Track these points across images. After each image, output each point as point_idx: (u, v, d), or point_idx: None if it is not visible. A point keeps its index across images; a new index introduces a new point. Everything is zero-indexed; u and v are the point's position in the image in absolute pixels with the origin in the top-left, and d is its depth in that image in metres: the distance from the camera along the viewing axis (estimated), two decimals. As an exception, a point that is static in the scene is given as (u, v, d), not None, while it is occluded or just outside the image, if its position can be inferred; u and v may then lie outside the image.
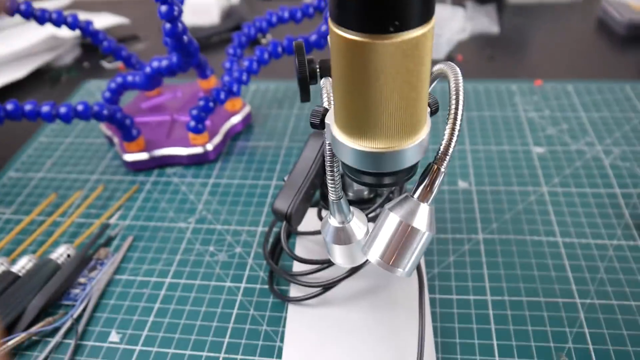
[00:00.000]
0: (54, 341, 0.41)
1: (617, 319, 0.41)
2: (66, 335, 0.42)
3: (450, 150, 0.28)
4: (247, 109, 0.66)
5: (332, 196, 0.33)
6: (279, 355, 0.40)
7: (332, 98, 0.31)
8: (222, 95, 0.57)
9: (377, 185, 0.29)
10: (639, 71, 0.72)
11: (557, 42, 0.82)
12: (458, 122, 0.27)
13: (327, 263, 0.42)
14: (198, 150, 0.59)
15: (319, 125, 0.30)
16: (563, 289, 0.43)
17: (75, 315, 0.43)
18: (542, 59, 0.77)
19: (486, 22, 0.86)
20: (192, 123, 0.58)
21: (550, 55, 0.78)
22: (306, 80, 0.35)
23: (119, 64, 0.85)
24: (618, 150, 0.57)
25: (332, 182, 0.32)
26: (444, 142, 0.27)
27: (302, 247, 0.47)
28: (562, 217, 0.49)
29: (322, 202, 0.46)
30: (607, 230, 0.48)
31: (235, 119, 0.64)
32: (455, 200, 0.52)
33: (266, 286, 0.45)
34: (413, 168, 0.29)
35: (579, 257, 0.46)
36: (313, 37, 0.57)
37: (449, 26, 0.83)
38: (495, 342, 0.39)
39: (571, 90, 0.68)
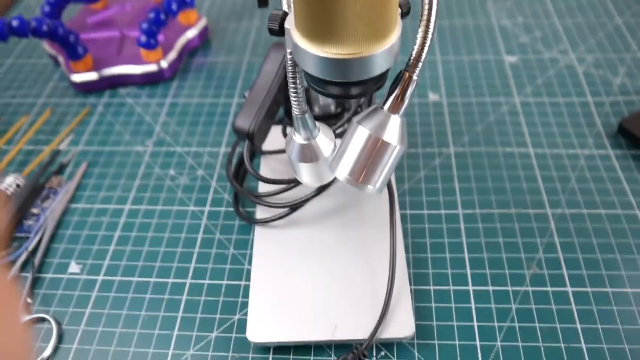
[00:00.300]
0: (9, 275, 0.39)
1: (587, 227, 0.40)
2: (23, 268, 0.40)
3: (423, 55, 0.25)
4: (203, 22, 0.61)
5: (295, 111, 0.30)
6: (248, 278, 0.39)
7: (292, 2, 0.27)
8: (174, 6, 0.53)
9: (344, 97, 0.27)
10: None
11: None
12: (432, 24, 0.25)
13: (294, 183, 0.40)
14: (152, 67, 0.55)
15: (278, 31, 0.27)
16: (534, 200, 0.43)
17: (30, 248, 0.41)
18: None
19: None
20: (143, 38, 0.53)
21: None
22: (263, -18, 0.32)
23: (59, -24, 0.78)
24: (592, 58, 0.55)
25: (295, 95, 0.29)
26: (416, 47, 0.25)
27: (267, 167, 0.45)
28: (534, 128, 0.48)
29: (287, 118, 0.43)
30: (579, 139, 0.47)
31: (191, 33, 0.59)
32: (426, 113, 0.50)
33: (231, 209, 0.43)
34: (383, 76, 0.26)
35: (550, 167, 0.45)
36: (271, -62, 0.52)
37: None
38: (466, 255, 0.39)
39: (545, -5, 0.65)
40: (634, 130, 0.46)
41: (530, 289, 0.37)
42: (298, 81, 0.28)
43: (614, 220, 0.41)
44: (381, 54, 0.24)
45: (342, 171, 0.27)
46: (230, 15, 0.66)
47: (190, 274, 0.39)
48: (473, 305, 0.36)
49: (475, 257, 0.39)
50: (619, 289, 0.37)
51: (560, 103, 0.50)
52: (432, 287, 0.38)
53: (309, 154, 0.33)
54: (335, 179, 0.37)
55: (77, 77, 0.54)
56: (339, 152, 0.27)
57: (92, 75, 0.54)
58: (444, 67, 0.55)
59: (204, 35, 0.61)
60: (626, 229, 0.40)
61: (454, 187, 0.44)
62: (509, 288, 0.37)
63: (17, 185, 0.45)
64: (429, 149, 0.47)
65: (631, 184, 0.43)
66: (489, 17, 0.62)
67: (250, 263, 0.39)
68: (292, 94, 0.29)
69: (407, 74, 0.26)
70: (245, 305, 0.37)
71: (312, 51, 0.24)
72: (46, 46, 0.59)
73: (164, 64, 0.55)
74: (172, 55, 0.56)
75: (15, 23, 0.48)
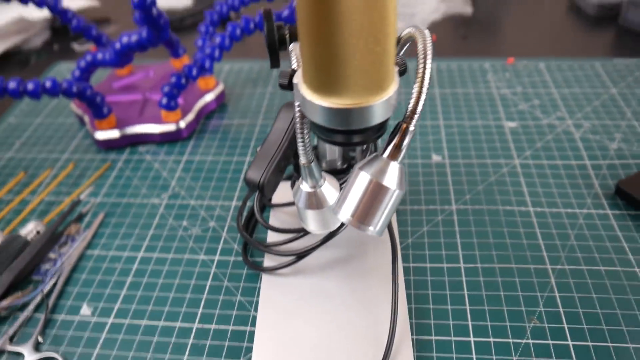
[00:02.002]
0: (23, 315, 0.41)
1: (587, 283, 0.41)
2: (36, 309, 0.42)
3: (419, 108, 0.28)
4: (220, 87, 0.65)
5: (302, 160, 0.33)
6: (253, 324, 0.40)
7: (300, 60, 0.30)
8: (194, 72, 0.57)
9: (347, 144, 0.29)
10: (608, 49, 0.73)
11: (529, 23, 0.82)
12: (426, 82, 0.27)
13: (301, 232, 0.41)
14: (171, 127, 0.58)
15: (288, 85, 0.30)
16: (534, 255, 0.44)
17: (45, 290, 0.42)
18: (515, 39, 0.78)
19: (460, 3, 0.86)
20: (164, 100, 0.57)
21: (523, 35, 0.79)
22: (275, 46, 0.35)
23: (90, 46, 0.84)
24: (588, 124, 0.58)
25: (303, 144, 0.32)
26: (412, 101, 0.27)
27: (276, 219, 0.47)
28: (534, 188, 0.50)
29: (296, 174, 0.46)
30: (577, 199, 0.49)
31: (209, 97, 0.63)
32: (429, 173, 0.52)
33: (240, 258, 0.45)
34: (382, 126, 0.29)
35: (550, 225, 0.46)
36: (285, 12, 0.57)
37: (422, 6, 0.83)
38: (468, 308, 0.40)
39: (543, 67, 0.69)
40: (631, 191, 0.47)
41: (531, 341, 0.37)
42: (305, 131, 0.31)
43: (613, 277, 0.42)
44: (379, 104, 0.26)
45: (345, 213, 0.29)
46: (246, 82, 0.70)
47: (197, 318, 0.40)
48: (474, 356, 0.37)
49: (476, 309, 0.40)
50: (620, 344, 0.37)
51: (558, 165, 0.53)
52: (433, 338, 0.38)
53: (315, 201, 0.35)
54: (340, 227, 0.39)
55: (101, 135, 0.58)
56: (342, 195, 0.29)
57: (114, 133, 0.58)
58: (447, 131, 0.58)
59: (220, 99, 0.65)
60: (626, 286, 0.41)
61: (455, 242, 0.45)
62: (510, 340, 0.38)
63: (37, 232, 0.47)
64: (431, 206, 0.49)
65: (629, 242, 0.44)
66: (490, 87, 0.65)
67: (256, 309, 0.40)
68: (300, 143, 0.32)
69: (404, 125, 0.28)
70: (249, 350, 0.38)
71: (317, 102, 0.26)
72: (73, 106, 0.64)
73: (182, 124, 0.58)
74: (190, 116, 0.60)
75: (48, 84, 0.52)
